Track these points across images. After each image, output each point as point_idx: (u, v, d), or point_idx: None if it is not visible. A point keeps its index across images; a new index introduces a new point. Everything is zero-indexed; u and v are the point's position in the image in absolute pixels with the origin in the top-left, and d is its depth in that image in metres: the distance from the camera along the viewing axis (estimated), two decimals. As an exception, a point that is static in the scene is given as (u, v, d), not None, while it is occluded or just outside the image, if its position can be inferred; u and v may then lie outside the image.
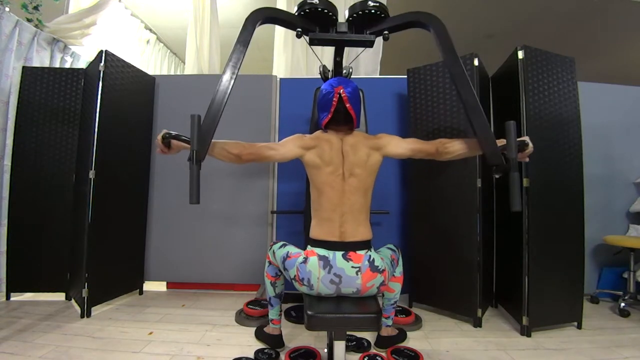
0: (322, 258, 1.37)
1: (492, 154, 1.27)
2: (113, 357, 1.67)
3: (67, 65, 2.87)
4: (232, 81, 1.28)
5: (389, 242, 1.66)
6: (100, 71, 2.24)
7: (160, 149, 1.25)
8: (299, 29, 1.46)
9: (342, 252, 1.37)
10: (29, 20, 2.64)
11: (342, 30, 1.50)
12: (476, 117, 1.28)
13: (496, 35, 4.83)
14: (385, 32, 1.46)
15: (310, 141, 1.48)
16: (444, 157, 1.48)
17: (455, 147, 1.44)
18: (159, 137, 1.22)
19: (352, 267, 1.35)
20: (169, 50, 5.20)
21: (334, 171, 1.45)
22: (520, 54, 2.04)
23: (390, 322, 1.79)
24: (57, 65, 2.78)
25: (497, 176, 1.31)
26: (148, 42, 4.59)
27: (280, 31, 3.32)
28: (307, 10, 1.42)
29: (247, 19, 1.39)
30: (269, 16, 1.45)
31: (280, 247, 1.57)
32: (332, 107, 1.47)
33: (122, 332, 1.95)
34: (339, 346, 1.31)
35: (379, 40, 1.54)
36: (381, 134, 1.55)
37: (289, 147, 1.46)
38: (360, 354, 1.69)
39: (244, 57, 1.33)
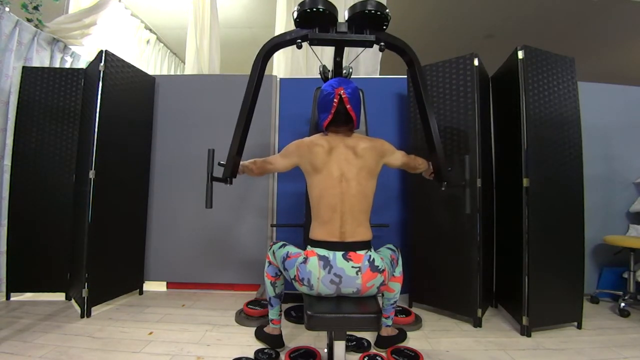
0: (322, 258, 1.37)
1: (446, 175, 1.64)
2: (113, 357, 1.67)
3: (67, 65, 2.86)
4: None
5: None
6: (100, 71, 2.24)
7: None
8: (299, 40, 1.49)
9: (342, 252, 1.37)
10: (29, 20, 2.63)
11: (342, 30, 1.50)
12: (439, 147, 1.60)
13: (496, 35, 4.83)
14: (382, 43, 1.48)
15: (303, 149, 1.53)
16: (415, 171, 1.76)
17: (422, 165, 1.73)
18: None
19: (352, 267, 1.35)
20: (169, 50, 5.20)
21: (330, 173, 1.46)
22: (520, 54, 2.04)
23: (390, 322, 1.79)
24: (57, 65, 2.77)
25: (443, 189, 1.67)
26: (148, 42, 4.58)
27: (280, 31, 3.31)
28: (308, 11, 1.42)
29: (254, 60, 1.51)
30: (271, 47, 1.51)
31: (280, 247, 1.57)
32: (332, 109, 1.49)
33: (122, 332, 1.95)
34: (339, 346, 1.31)
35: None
36: (381, 140, 1.59)
37: (279, 160, 1.60)
38: (360, 354, 1.69)
39: (255, 100, 1.53)
